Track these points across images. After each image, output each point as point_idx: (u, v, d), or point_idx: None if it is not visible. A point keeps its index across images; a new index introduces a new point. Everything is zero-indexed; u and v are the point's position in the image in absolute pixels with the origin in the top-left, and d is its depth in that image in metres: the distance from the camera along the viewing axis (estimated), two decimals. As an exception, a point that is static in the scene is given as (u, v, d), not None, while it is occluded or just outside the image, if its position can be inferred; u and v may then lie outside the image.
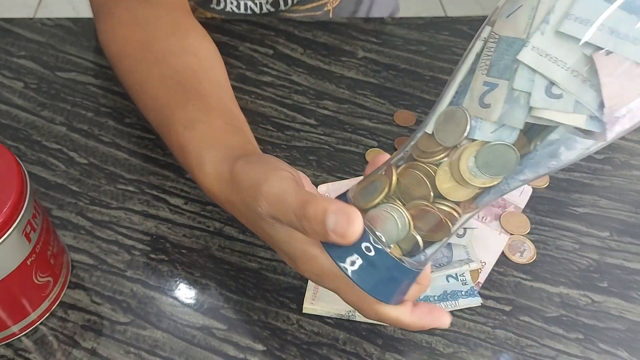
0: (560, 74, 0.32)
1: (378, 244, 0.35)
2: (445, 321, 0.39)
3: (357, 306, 0.38)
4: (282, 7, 0.70)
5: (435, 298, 0.46)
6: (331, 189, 0.53)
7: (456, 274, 0.47)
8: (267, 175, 0.37)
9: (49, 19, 0.67)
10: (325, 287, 0.39)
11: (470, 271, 0.47)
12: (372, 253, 0.35)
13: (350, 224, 0.33)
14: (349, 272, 0.35)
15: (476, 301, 0.46)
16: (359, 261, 0.35)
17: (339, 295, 0.39)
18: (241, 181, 0.39)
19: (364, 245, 0.35)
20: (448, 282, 0.47)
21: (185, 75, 0.48)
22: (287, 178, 0.36)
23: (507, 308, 0.47)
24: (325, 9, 0.72)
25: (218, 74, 0.51)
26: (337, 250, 0.35)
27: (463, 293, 0.47)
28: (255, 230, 0.40)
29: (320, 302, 0.46)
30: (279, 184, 0.36)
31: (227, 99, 0.48)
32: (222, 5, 0.69)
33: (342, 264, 0.35)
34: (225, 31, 0.64)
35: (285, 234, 0.38)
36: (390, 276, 0.36)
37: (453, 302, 0.46)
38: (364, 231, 0.35)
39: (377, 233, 0.36)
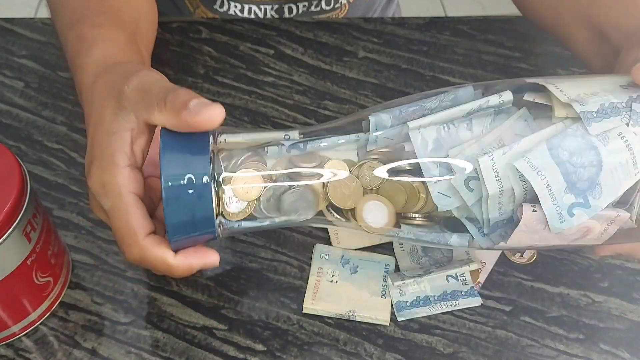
0: (492, 188, 0.37)
1: (209, 183, 0.36)
2: (213, 259, 0.39)
3: (125, 235, 0.38)
4: (286, 14, 0.70)
5: (435, 298, 0.46)
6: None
7: (456, 274, 0.47)
8: (148, 68, 0.41)
9: (50, 18, 0.67)
10: (101, 203, 0.38)
11: (470, 271, 0.47)
12: (196, 188, 0.36)
13: (209, 109, 0.35)
14: (165, 194, 0.35)
15: (476, 301, 0.46)
16: (184, 189, 0.35)
17: (110, 218, 0.38)
18: (120, 68, 0.41)
19: (201, 175, 0.36)
20: (448, 282, 0.47)
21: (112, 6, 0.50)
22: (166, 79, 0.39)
23: (508, 308, 0.47)
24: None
25: (144, 19, 0.53)
26: (173, 165, 0.36)
27: (463, 293, 0.47)
28: (93, 119, 0.40)
29: (320, 302, 0.46)
30: (157, 75, 0.39)
31: (141, 39, 0.50)
32: (225, 8, 0.69)
33: (169, 181, 0.35)
34: (226, 31, 0.64)
35: (120, 128, 0.38)
36: (194, 221, 0.36)
37: (453, 302, 0.46)
38: (209, 160, 0.36)
39: (222, 174, 0.37)
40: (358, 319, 0.46)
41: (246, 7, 0.69)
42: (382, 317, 0.46)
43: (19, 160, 0.42)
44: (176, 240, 0.37)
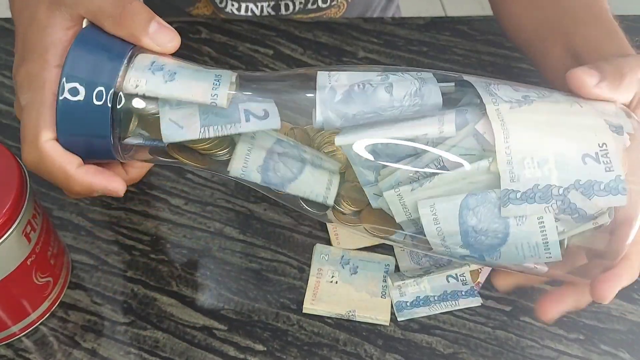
0: (400, 217, 0.36)
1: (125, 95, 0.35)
2: (116, 186, 0.37)
3: (29, 132, 0.36)
4: (282, 11, 0.70)
5: (436, 298, 0.46)
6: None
7: (456, 274, 0.47)
8: None
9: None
10: (20, 99, 0.36)
11: (470, 271, 0.47)
12: (103, 99, 0.34)
13: (169, 33, 0.35)
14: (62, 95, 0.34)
15: (476, 301, 0.46)
16: (95, 91, 0.34)
17: (23, 113, 0.36)
18: None
19: (106, 84, 0.34)
20: (448, 282, 0.47)
21: None
22: None
23: (508, 308, 0.47)
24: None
25: None
26: (82, 63, 0.34)
27: (463, 293, 0.47)
28: (25, 16, 0.37)
29: (320, 302, 0.46)
30: None
31: None
32: (223, 4, 0.69)
33: (83, 84, 0.34)
34: (225, 31, 0.64)
35: (55, 24, 0.36)
36: (88, 124, 0.35)
37: (453, 302, 0.46)
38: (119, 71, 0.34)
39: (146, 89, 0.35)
40: (358, 319, 0.46)
41: (243, 5, 0.69)
42: (382, 317, 0.45)
43: (19, 160, 0.42)
44: (66, 135, 0.35)
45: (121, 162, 0.40)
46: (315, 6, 0.70)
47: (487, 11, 0.62)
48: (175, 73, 0.35)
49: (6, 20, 0.66)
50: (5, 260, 0.40)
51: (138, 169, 0.41)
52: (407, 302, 0.46)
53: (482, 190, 0.33)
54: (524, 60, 0.62)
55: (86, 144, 0.36)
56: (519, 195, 0.32)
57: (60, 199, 0.52)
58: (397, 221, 0.36)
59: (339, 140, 0.35)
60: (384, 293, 0.47)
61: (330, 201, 0.37)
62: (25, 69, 0.36)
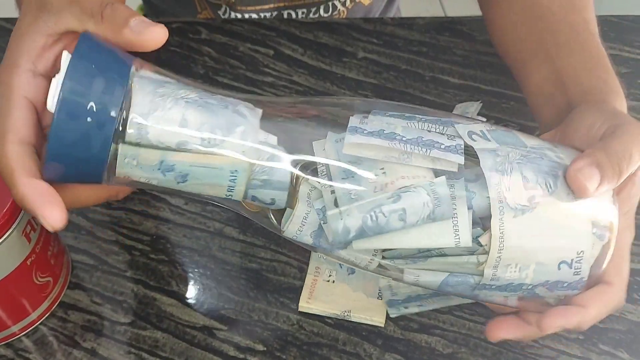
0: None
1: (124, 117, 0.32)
2: (49, 216, 0.33)
3: None
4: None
5: (428, 295, 0.46)
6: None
7: None
8: None
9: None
10: None
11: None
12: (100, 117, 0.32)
13: (152, 29, 0.33)
14: (60, 106, 0.31)
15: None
16: (85, 112, 0.31)
17: None
18: None
19: (110, 105, 0.31)
20: None
21: None
22: None
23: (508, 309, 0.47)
24: None
25: None
26: (83, 77, 0.31)
27: None
28: (16, 24, 0.36)
29: (316, 301, 0.46)
30: None
31: None
32: (227, 15, 0.70)
33: (72, 93, 0.31)
34: (225, 32, 0.64)
35: (35, 31, 0.34)
36: (83, 153, 0.32)
37: (446, 297, 0.46)
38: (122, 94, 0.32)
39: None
40: (354, 320, 0.46)
41: (246, 15, 0.69)
42: (377, 318, 0.45)
43: (19, 160, 0.42)
44: (54, 164, 0.32)
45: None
46: (317, 15, 0.71)
47: (487, 11, 0.62)
48: (187, 175, 0.34)
49: (6, 20, 0.66)
50: (5, 260, 0.40)
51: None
52: (399, 300, 0.46)
53: (463, 274, 0.36)
54: (523, 61, 0.62)
55: (75, 165, 0.33)
56: (493, 287, 0.36)
57: (61, 199, 0.53)
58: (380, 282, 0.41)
59: (357, 245, 0.35)
60: (380, 294, 0.46)
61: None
62: None
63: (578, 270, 0.35)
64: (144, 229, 0.51)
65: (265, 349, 0.45)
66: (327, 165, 0.35)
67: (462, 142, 0.35)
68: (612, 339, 0.45)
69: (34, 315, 0.45)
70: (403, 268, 0.36)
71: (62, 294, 0.47)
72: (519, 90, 0.54)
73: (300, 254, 0.49)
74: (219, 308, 0.47)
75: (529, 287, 0.36)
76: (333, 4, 0.70)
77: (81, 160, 0.32)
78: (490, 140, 0.36)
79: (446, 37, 0.65)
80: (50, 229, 0.33)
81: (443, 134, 0.35)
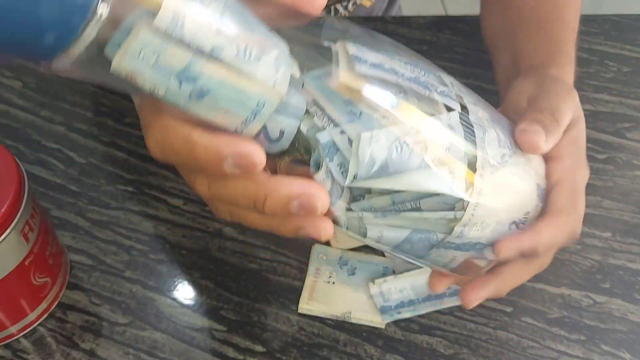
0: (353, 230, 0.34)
1: None
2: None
3: None
4: None
5: (420, 300, 0.46)
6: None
7: None
8: None
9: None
10: None
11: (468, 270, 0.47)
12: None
13: None
14: None
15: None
16: None
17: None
18: None
19: None
20: None
21: None
22: None
23: (509, 309, 0.46)
24: None
25: None
26: None
27: (447, 294, 0.46)
28: None
29: (316, 302, 0.46)
30: None
31: None
32: None
33: None
34: (226, 30, 0.64)
35: None
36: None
37: (437, 300, 0.46)
38: None
39: None
40: (353, 321, 0.45)
41: None
42: (377, 319, 0.45)
43: (17, 160, 0.41)
44: None
45: None
46: None
47: (488, 9, 0.62)
48: (207, 92, 0.27)
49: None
50: (4, 260, 0.40)
51: None
52: (391, 306, 0.46)
53: (428, 231, 0.35)
54: (524, 60, 0.62)
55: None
56: (453, 245, 0.35)
57: (59, 198, 0.52)
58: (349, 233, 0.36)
59: (376, 184, 0.33)
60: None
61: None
62: None
63: (523, 229, 0.36)
64: (143, 229, 0.51)
65: (265, 350, 0.44)
66: (331, 101, 0.31)
67: (454, 90, 0.34)
68: (614, 339, 0.45)
69: (32, 316, 0.45)
70: (369, 223, 0.34)
71: (61, 295, 0.47)
72: (520, 89, 0.53)
73: (300, 254, 0.49)
74: (219, 309, 0.46)
75: (481, 247, 0.35)
76: (335, 8, 0.70)
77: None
78: (467, 95, 0.36)
79: (447, 35, 0.64)
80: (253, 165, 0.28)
81: (434, 78, 0.34)
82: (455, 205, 0.34)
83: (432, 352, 0.44)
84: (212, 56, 0.26)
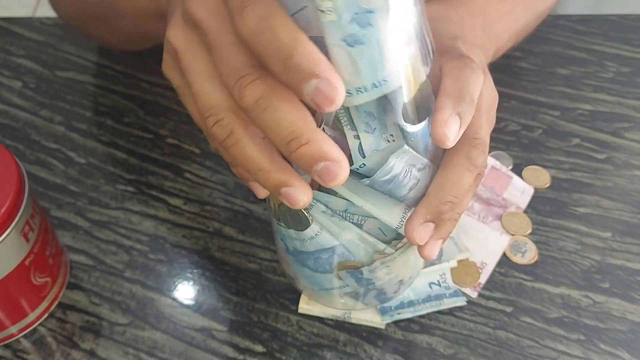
0: None
1: None
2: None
3: None
4: None
5: (420, 301, 0.46)
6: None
7: (438, 281, 0.47)
8: None
9: (48, 18, 0.67)
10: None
11: (468, 270, 0.47)
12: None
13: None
14: None
15: (460, 300, 0.46)
16: None
17: None
18: None
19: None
20: (431, 288, 0.47)
21: None
22: None
23: (509, 309, 0.47)
24: None
25: None
26: None
27: (447, 295, 0.46)
28: None
29: (316, 302, 0.46)
30: None
31: None
32: None
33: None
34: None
35: None
36: None
37: (437, 301, 0.46)
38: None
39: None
40: (353, 321, 0.46)
41: None
42: (377, 320, 0.45)
43: (17, 160, 0.41)
44: None
45: None
46: None
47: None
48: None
49: (4, 19, 0.66)
50: (3, 260, 0.40)
51: None
52: (390, 306, 0.46)
53: (350, 252, 0.36)
54: (524, 59, 0.62)
55: None
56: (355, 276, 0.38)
57: (58, 198, 0.52)
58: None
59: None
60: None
61: None
62: None
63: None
64: (142, 229, 0.51)
65: (264, 350, 0.44)
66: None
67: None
68: (614, 339, 0.45)
69: (32, 316, 0.45)
70: (316, 215, 0.34)
71: (61, 295, 0.47)
72: (520, 89, 0.53)
73: (300, 254, 0.49)
74: (218, 309, 0.46)
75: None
76: None
77: None
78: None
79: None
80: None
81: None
82: (392, 241, 0.36)
83: (431, 352, 0.44)
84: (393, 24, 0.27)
